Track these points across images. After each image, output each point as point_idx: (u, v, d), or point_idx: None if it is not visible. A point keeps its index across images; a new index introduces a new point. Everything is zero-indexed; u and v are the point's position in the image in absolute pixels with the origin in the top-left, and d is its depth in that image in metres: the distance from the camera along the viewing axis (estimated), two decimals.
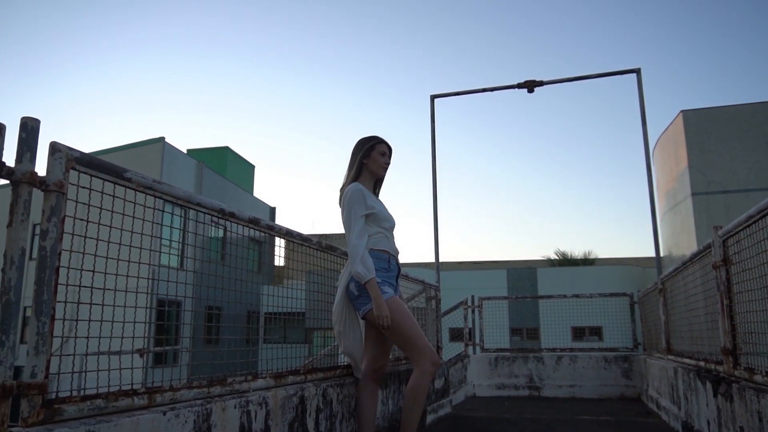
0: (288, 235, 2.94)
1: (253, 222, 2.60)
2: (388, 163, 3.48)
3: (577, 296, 8.20)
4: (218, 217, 2.37)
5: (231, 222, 2.46)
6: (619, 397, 7.42)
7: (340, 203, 3.31)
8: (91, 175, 1.77)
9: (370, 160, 3.38)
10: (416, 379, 3.04)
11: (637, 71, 6.30)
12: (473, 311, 8.22)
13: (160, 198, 2.04)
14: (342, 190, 3.34)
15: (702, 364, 3.87)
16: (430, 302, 6.03)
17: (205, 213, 2.29)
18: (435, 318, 6.02)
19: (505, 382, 7.89)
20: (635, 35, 71.50)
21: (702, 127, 21.17)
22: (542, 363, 7.85)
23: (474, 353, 8.13)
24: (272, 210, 32.80)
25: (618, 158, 70.71)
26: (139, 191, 1.94)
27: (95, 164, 1.76)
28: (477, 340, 8.17)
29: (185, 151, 28.02)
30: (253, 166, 32.85)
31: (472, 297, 8.24)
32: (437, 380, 5.61)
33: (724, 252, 3.15)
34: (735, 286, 3.07)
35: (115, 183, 1.85)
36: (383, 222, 3.28)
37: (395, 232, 3.49)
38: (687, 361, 4.40)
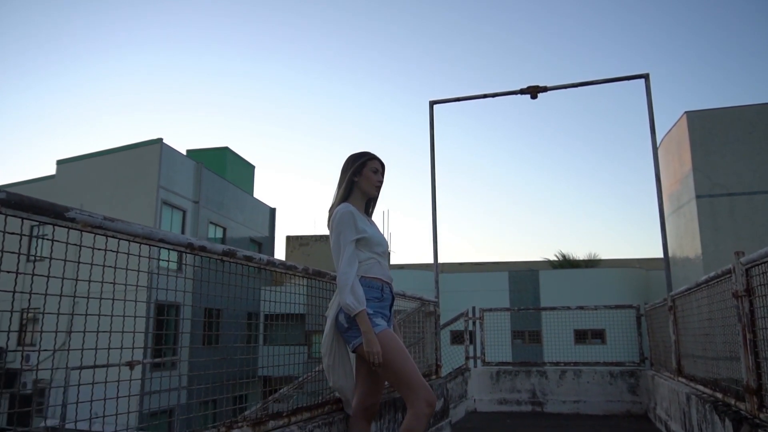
0: (270, 264, 2.68)
1: (228, 254, 2.33)
2: (381, 181, 3.23)
3: (581, 308, 7.92)
4: (186, 253, 2.11)
5: (202, 256, 2.20)
6: (626, 413, 7.15)
7: (328, 225, 3.06)
8: (22, 218, 1.51)
9: (361, 177, 3.12)
10: (410, 422, 2.77)
11: (646, 76, 6.01)
12: (474, 323, 7.96)
13: (113, 237, 1.77)
14: (331, 210, 3.08)
15: (719, 395, 3.61)
16: (429, 318, 5.78)
17: (169, 249, 2.03)
18: (434, 334, 5.77)
19: (507, 396, 7.62)
20: (637, 36, 71.21)
21: (706, 129, 20.87)
22: (545, 377, 7.59)
23: (475, 366, 7.87)
24: (272, 211, 32.56)
25: (620, 159, 70.37)
26: (86, 232, 1.68)
27: (27, 205, 1.50)
28: (478, 353, 7.90)
29: (185, 152, 27.82)
30: (253, 167, 32.60)
31: (473, 308, 7.98)
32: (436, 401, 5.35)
33: (747, 281, 2.89)
34: (759, 320, 2.80)
35: (54, 225, 1.59)
36: (375, 247, 3.02)
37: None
38: (701, 388, 4.14)
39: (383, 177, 3.22)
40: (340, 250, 2.88)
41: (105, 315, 1.89)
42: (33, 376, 19.48)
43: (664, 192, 23.39)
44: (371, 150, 3.24)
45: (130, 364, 3.04)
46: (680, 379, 5.03)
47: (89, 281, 1.80)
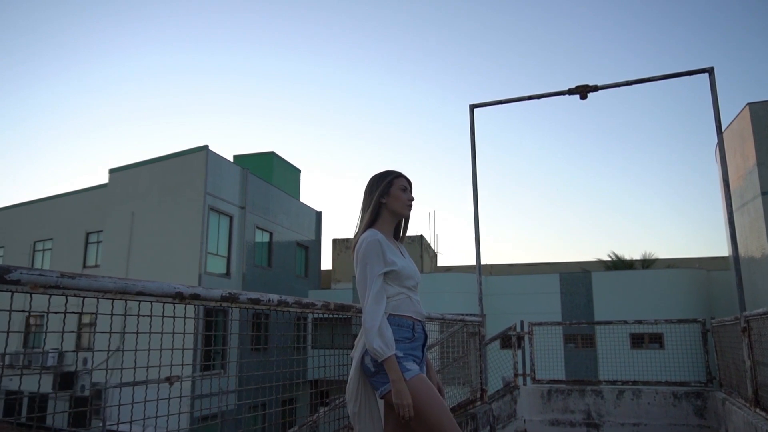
0: (283, 304, 2.37)
1: (229, 299, 2.03)
2: (412, 199, 2.88)
3: (639, 322, 7.34)
4: (176, 303, 1.81)
5: (197, 304, 1.90)
6: None
7: (353, 254, 2.72)
8: None
9: (389, 198, 2.78)
10: None
11: (710, 71, 5.43)
12: (522, 338, 7.48)
13: (75, 296, 1.49)
14: (356, 238, 2.75)
15: None
16: (473, 338, 5.38)
17: (153, 302, 1.73)
18: (479, 356, 5.37)
19: (559, 417, 7.12)
20: (685, 30, 68.35)
21: None
22: (601, 397, 7.05)
23: (524, 384, 7.40)
24: (318, 214, 32.59)
25: (672, 153, 67.65)
26: (37, 294, 1.40)
27: None
28: (528, 370, 7.43)
29: (232, 158, 28.13)
30: (298, 171, 32.70)
31: (522, 322, 7.50)
32: (481, 430, 4.95)
33: None
34: None
35: None
36: (406, 280, 2.67)
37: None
38: None
39: (413, 195, 2.88)
40: (366, 285, 2.55)
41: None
42: (88, 380, 20.05)
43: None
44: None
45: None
46: (758, 411, 4.47)
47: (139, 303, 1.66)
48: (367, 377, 2.60)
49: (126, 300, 1.64)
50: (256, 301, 2.17)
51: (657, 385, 6.99)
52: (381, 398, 2.58)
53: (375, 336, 2.44)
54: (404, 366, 2.49)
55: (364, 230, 2.72)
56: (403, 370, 2.47)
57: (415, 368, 2.54)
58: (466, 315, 5.13)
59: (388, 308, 2.59)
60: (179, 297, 1.80)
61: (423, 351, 2.71)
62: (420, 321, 2.70)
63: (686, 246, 68.29)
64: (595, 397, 7.09)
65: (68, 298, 1.53)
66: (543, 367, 7.72)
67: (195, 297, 1.86)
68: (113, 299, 1.59)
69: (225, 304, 2.01)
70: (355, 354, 2.67)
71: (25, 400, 21.83)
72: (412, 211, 2.91)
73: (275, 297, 2.29)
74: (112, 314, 1.81)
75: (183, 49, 71.31)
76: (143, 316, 1.88)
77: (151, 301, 1.73)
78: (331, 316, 3.14)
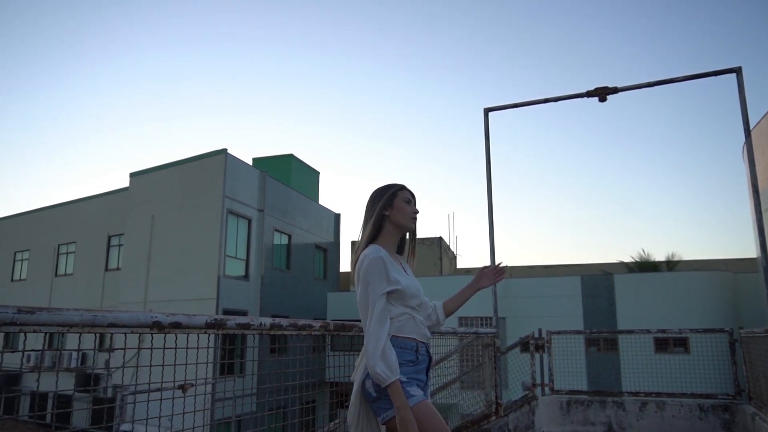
0: (276, 327, 2.23)
1: (215, 326, 1.90)
2: (417, 212, 2.74)
3: (663, 331, 7.08)
4: (153, 333, 1.69)
5: (178, 334, 1.78)
6: None
7: (354, 271, 2.58)
8: None
9: (393, 210, 2.64)
10: None
11: (738, 71, 5.19)
12: (541, 347, 7.27)
13: (36, 332, 1.37)
14: (357, 254, 2.61)
15: None
16: (487, 349, 5.21)
17: (128, 333, 1.61)
18: (494, 368, 5.19)
19: (579, 429, 6.90)
20: (703, 29, 67.04)
21: None
22: (623, 409, 6.81)
23: (543, 395, 7.19)
24: (337, 216, 32.53)
25: (695, 152, 66.35)
26: None
27: None
28: (546, 380, 7.21)
29: (251, 161, 28.20)
30: (317, 173, 32.67)
31: (540, 330, 7.29)
32: None
33: None
34: None
35: None
36: (410, 299, 2.53)
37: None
38: None
39: (417, 208, 2.75)
40: (369, 305, 2.41)
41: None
42: (110, 381, 20.25)
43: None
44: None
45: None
46: None
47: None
48: (369, 402, 2.46)
49: (96, 333, 1.52)
50: (246, 326, 2.04)
51: (682, 397, 6.72)
52: (383, 424, 2.45)
53: (378, 360, 2.30)
54: (408, 392, 2.36)
55: (366, 245, 2.59)
56: (407, 396, 2.33)
57: (420, 393, 2.40)
58: (481, 327, 4.96)
59: (391, 330, 2.45)
60: (157, 326, 1.68)
61: (427, 374, 2.57)
62: (424, 343, 2.56)
63: (712, 247, 66.90)
64: (617, 408, 6.86)
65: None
66: (563, 374, 7.49)
67: (175, 326, 1.74)
68: (80, 333, 1.48)
69: (210, 332, 1.89)
70: (356, 377, 2.53)
71: (49, 402, 22.14)
72: (417, 225, 2.78)
73: (267, 320, 2.16)
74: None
75: (202, 51, 72.01)
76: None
77: (126, 333, 1.61)
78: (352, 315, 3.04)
